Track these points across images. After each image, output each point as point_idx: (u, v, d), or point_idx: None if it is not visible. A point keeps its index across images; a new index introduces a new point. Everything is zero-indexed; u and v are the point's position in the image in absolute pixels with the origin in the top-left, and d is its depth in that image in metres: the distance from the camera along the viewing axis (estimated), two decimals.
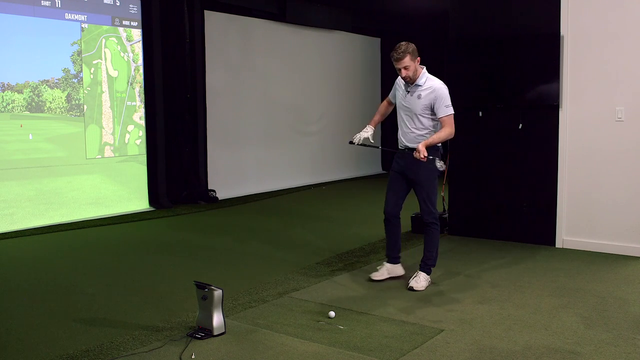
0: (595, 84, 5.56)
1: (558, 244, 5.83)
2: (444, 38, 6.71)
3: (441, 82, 4.51)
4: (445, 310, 4.06)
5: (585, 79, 5.61)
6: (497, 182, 6.16)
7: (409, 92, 4.52)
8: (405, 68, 4.38)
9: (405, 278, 4.75)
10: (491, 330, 3.69)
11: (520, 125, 5.96)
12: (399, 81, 4.63)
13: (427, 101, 4.44)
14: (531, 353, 3.35)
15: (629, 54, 5.39)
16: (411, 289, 4.48)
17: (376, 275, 4.74)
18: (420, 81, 4.46)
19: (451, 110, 4.44)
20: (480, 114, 6.16)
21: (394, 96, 4.72)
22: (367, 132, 4.66)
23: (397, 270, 4.80)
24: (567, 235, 5.81)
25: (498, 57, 6.03)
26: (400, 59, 4.36)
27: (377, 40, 12.47)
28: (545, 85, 5.75)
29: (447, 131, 4.41)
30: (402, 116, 4.61)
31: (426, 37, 11.96)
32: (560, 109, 5.72)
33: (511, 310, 4.06)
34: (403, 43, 4.41)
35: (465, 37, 6.31)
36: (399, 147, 4.67)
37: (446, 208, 6.64)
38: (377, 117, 4.84)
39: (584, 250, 5.66)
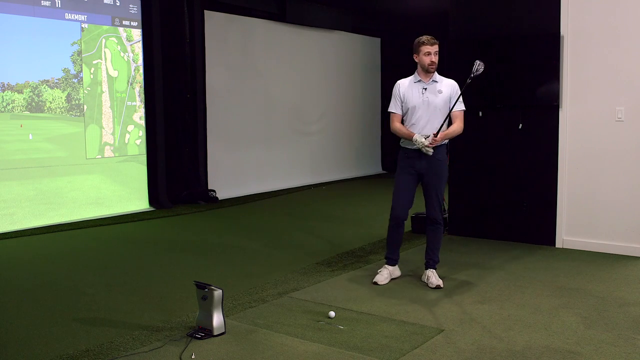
0: (595, 84, 5.56)
1: (558, 244, 5.83)
2: (444, 38, 6.70)
3: None
4: (445, 310, 4.06)
5: (585, 79, 5.61)
6: (497, 182, 6.16)
7: (425, 89, 4.59)
8: (436, 53, 4.56)
9: (402, 277, 4.80)
10: (491, 330, 3.69)
11: (520, 125, 5.96)
12: (408, 85, 4.64)
13: (448, 95, 4.60)
14: (531, 353, 3.35)
15: (629, 54, 5.39)
16: (438, 287, 4.56)
17: (381, 280, 4.72)
18: (436, 77, 4.64)
19: (464, 107, 4.65)
20: (480, 114, 6.16)
21: (401, 106, 4.64)
22: (422, 137, 4.49)
23: (397, 272, 4.87)
24: (567, 235, 5.81)
25: (498, 57, 6.02)
26: (435, 43, 4.57)
27: (377, 40, 12.47)
28: (545, 85, 5.75)
29: (460, 125, 4.62)
30: (418, 115, 4.58)
31: None
32: (560, 109, 5.72)
33: (511, 310, 4.07)
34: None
35: (465, 37, 6.31)
36: (412, 148, 4.60)
37: (446, 208, 6.63)
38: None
39: (584, 250, 5.66)
